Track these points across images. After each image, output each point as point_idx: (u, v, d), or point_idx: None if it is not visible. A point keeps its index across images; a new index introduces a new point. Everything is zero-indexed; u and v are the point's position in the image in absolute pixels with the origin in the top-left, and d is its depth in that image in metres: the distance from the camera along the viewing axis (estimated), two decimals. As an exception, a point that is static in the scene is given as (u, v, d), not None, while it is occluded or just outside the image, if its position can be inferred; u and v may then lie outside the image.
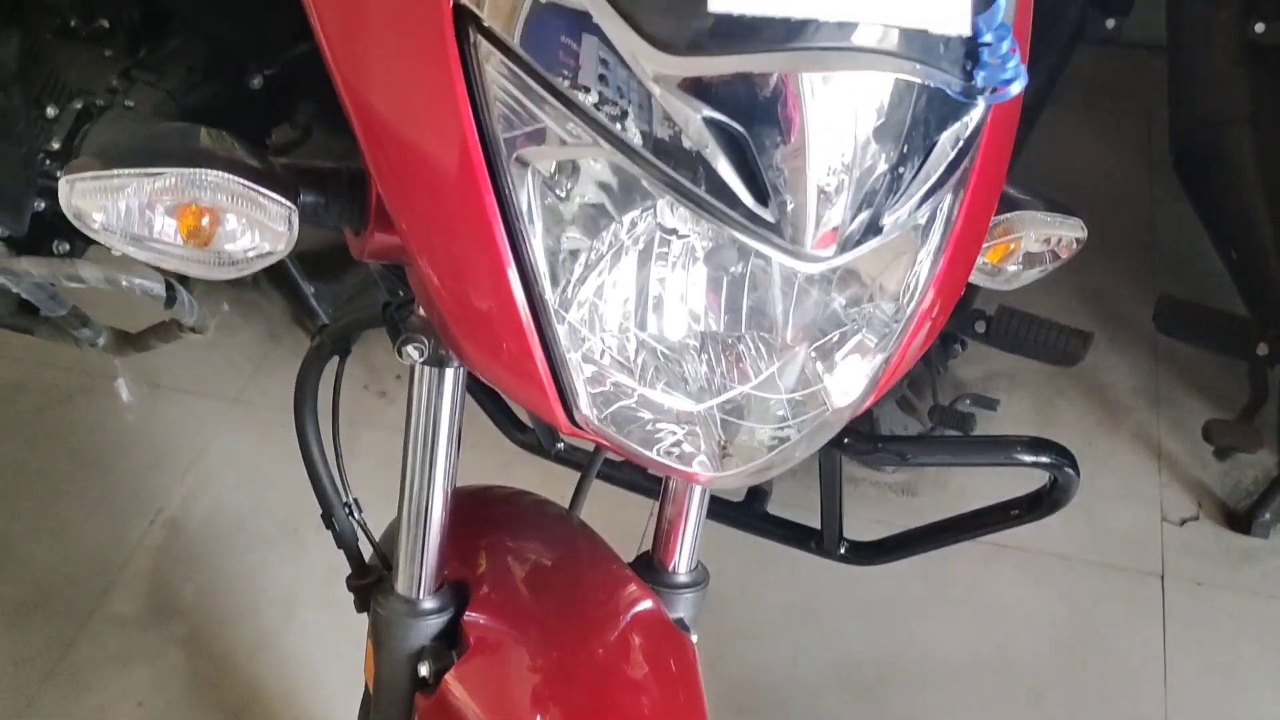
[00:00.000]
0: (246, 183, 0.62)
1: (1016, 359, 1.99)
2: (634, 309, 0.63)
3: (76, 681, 1.65)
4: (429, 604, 0.87)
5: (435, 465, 0.84)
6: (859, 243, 0.60)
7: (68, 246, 1.59)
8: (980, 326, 1.56)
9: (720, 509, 1.33)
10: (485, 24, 0.56)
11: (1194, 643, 1.69)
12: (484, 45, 0.56)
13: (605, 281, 0.61)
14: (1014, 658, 1.68)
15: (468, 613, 0.87)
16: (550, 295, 0.60)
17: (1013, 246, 0.83)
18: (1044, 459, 1.08)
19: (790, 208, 0.57)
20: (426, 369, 0.81)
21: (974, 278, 0.84)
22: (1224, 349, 1.62)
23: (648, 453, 0.67)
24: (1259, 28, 1.67)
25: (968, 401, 1.90)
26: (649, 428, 0.66)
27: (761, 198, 0.56)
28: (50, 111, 1.51)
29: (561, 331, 0.61)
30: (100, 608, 1.73)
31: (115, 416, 2.01)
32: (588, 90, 0.55)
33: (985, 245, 0.82)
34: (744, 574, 1.77)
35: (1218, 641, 1.69)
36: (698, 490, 0.92)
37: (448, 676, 0.84)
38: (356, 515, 0.96)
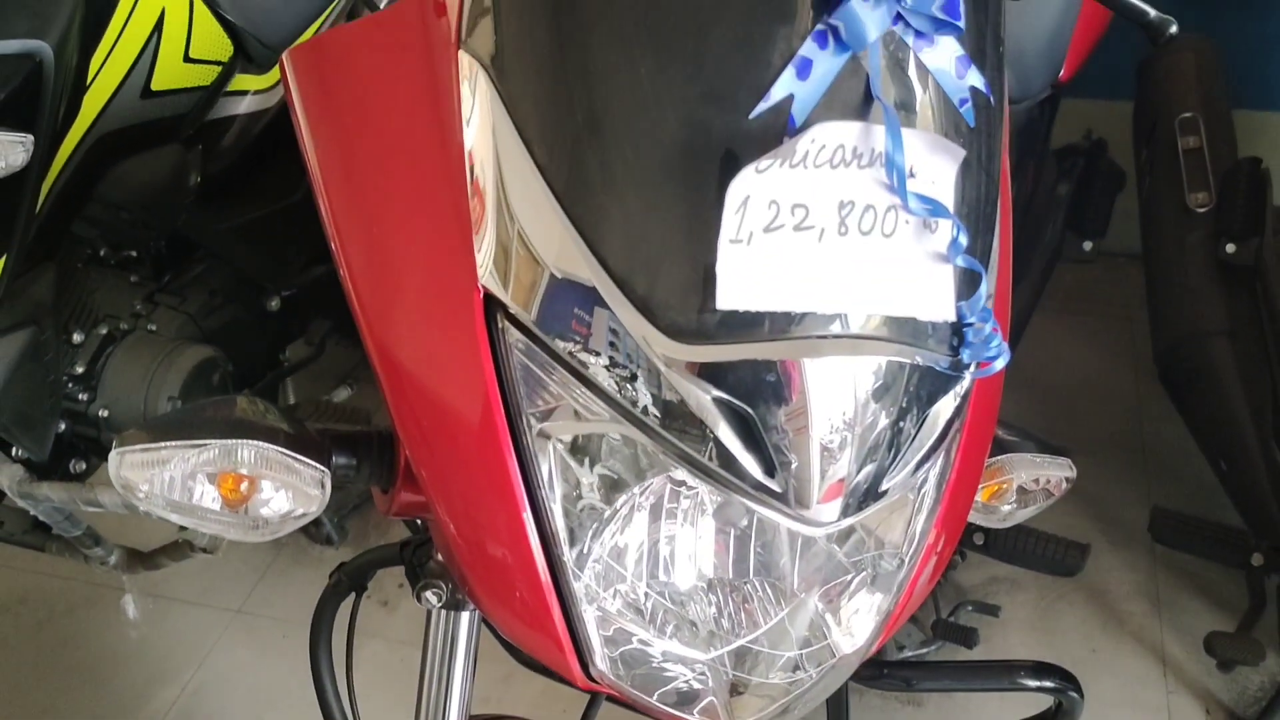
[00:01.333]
0: (283, 450, 0.67)
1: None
2: (646, 563, 0.66)
3: None
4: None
5: (449, 708, 0.85)
6: (862, 505, 0.64)
7: (84, 465, 1.63)
8: (979, 539, 1.59)
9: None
10: (512, 311, 0.61)
11: None
12: (510, 330, 0.61)
13: (620, 539, 0.65)
14: None
15: None
16: (568, 555, 0.63)
17: (1005, 486, 0.87)
18: (1048, 684, 1.09)
19: (796, 474, 0.61)
20: (443, 615, 0.83)
21: (971, 517, 0.88)
22: (1219, 559, 1.64)
23: (662, 706, 0.69)
24: (1229, 248, 1.75)
25: (969, 608, 1.90)
26: (662, 678, 0.68)
27: (769, 469, 0.60)
28: (76, 337, 1.57)
29: (578, 590, 0.64)
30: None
31: (116, 629, 2.00)
32: (604, 371, 0.60)
33: (979, 486, 0.86)
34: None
35: None
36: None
37: None
38: (367, 752, 0.97)
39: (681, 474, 0.62)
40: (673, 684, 0.69)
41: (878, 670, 1.12)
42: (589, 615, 0.65)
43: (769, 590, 0.69)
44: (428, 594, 0.79)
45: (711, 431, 0.60)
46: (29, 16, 1.27)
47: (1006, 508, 0.87)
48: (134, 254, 1.69)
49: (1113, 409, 2.45)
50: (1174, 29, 0.96)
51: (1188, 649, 1.93)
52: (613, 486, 0.63)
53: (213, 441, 0.65)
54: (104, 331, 1.61)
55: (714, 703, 0.69)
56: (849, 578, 0.70)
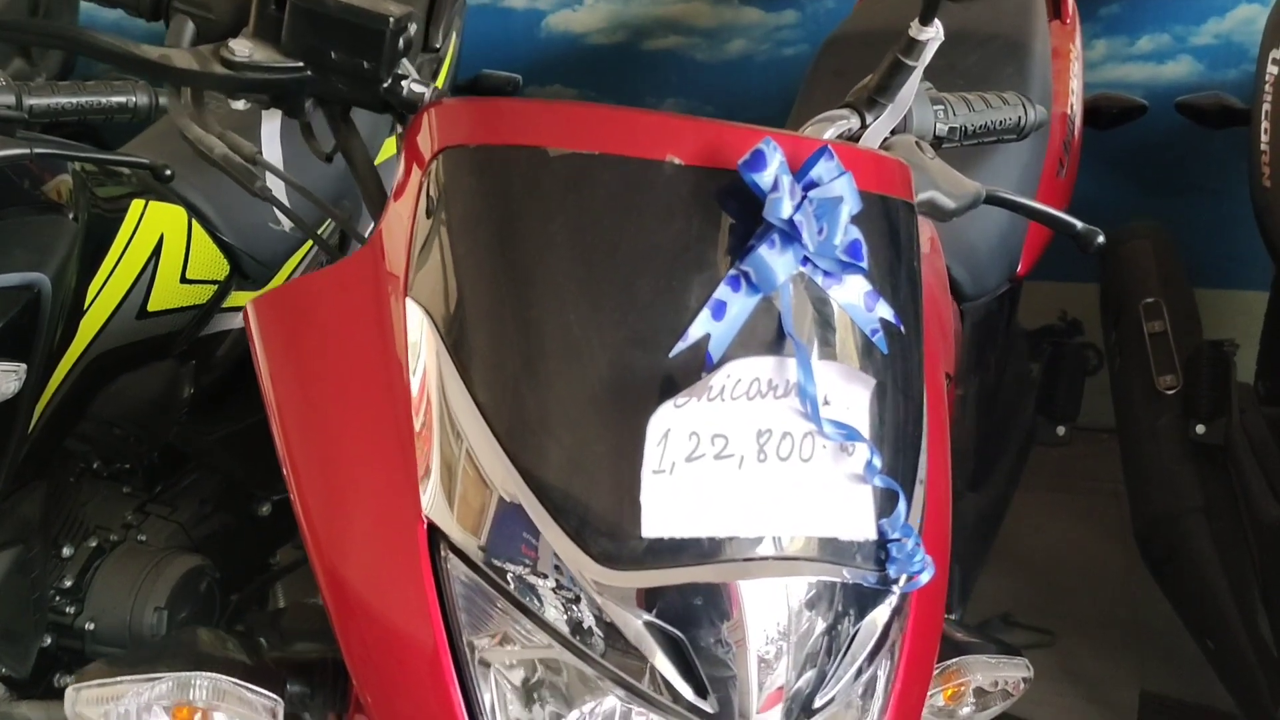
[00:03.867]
0: (237, 681, 0.69)
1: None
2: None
3: None
4: None
5: None
6: (804, 713, 0.66)
7: (70, 679, 1.62)
8: (966, 730, 1.56)
9: None
10: (454, 542, 0.64)
11: None
12: (453, 560, 0.64)
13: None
14: None
15: None
16: (518, 791, 0.64)
17: (962, 688, 0.88)
18: None
19: (735, 686, 0.63)
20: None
21: (930, 721, 0.88)
22: (1214, 748, 1.61)
23: None
24: (1199, 429, 1.79)
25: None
26: None
27: (701, 691, 0.62)
28: (66, 551, 1.59)
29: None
30: None
31: None
32: (543, 599, 0.62)
33: (936, 690, 0.87)
34: None
35: None
36: None
37: None
38: None
39: (618, 698, 0.64)
40: None
41: None
42: None
43: None
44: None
45: (647, 660, 0.62)
46: (29, 250, 1.34)
47: (965, 710, 0.88)
48: (127, 466, 1.72)
49: (1103, 587, 2.43)
50: (1100, 239, 1.02)
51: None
52: (554, 712, 0.64)
53: (166, 675, 0.67)
54: (93, 544, 1.63)
55: None
56: None
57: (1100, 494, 2.60)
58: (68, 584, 1.58)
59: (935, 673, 0.86)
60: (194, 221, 1.67)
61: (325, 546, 0.69)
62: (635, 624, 0.61)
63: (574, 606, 0.62)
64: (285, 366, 0.71)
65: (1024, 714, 1.71)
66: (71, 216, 1.46)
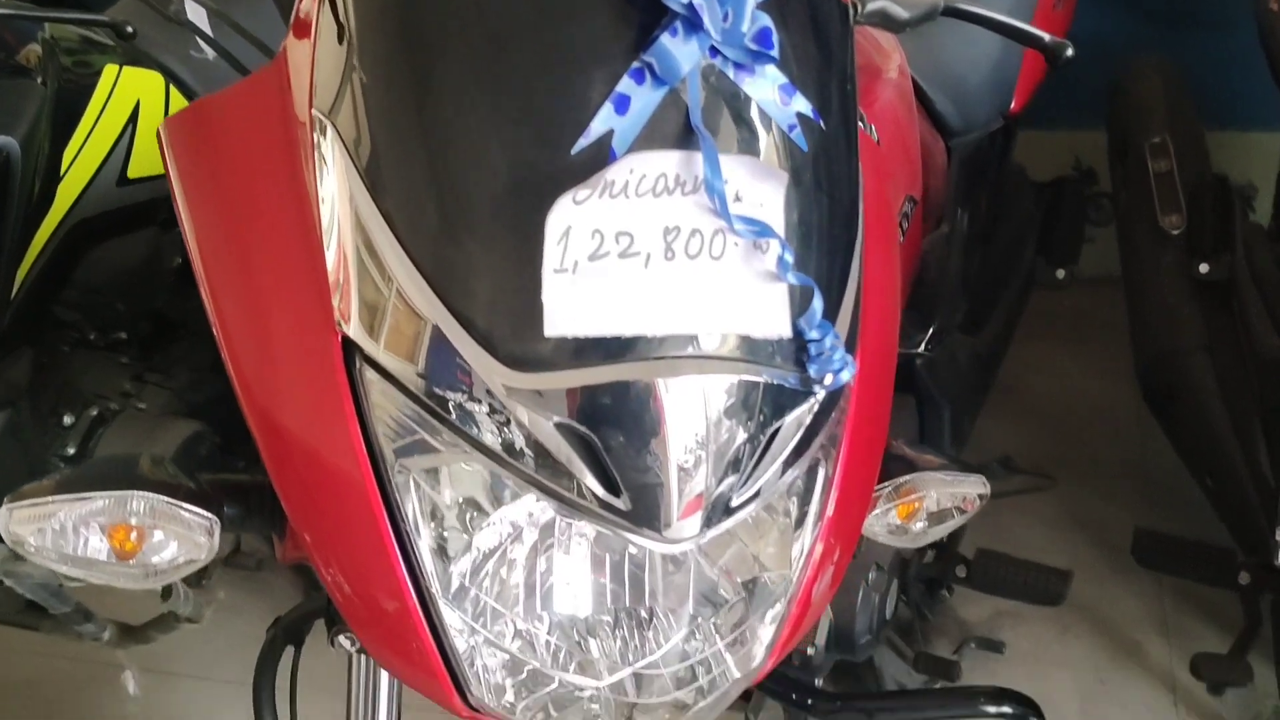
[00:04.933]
0: (170, 500, 0.69)
1: (1021, 598, 1.98)
2: (523, 595, 0.68)
3: None
4: None
5: (376, 754, 0.86)
6: (721, 520, 0.65)
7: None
8: (961, 571, 1.58)
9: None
10: (366, 349, 0.63)
11: None
12: (368, 372, 0.64)
13: (491, 571, 0.67)
14: None
15: None
16: (437, 588, 0.65)
17: (917, 505, 0.88)
18: (1006, 709, 1.08)
19: (653, 492, 0.62)
20: (363, 659, 0.85)
21: (883, 537, 0.89)
22: (1206, 579, 1.61)
23: (552, 738, 0.70)
24: (1203, 268, 1.75)
25: (973, 646, 1.88)
26: (548, 705, 0.69)
27: (614, 490, 0.62)
28: (67, 420, 1.62)
29: (450, 621, 0.66)
30: None
31: (124, 707, 2.03)
32: (457, 405, 0.62)
33: (889, 506, 0.87)
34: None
35: None
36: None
37: None
38: (314, 804, 0.98)
39: (537, 501, 0.64)
40: (560, 711, 0.70)
41: (834, 704, 1.12)
42: (460, 646, 0.66)
43: (655, 615, 0.70)
44: (341, 638, 0.81)
45: (558, 460, 0.62)
46: (-5, 114, 1.33)
47: (918, 526, 0.88)
48: (122, 336, 1.74)
49: (1114, 435, 2.42)
50: (1069, 52, 0.98)
51: (1198, 675, 1.89)
52: (473, 517, 0.64)
53: (100, 494, 0.68)
54: (94, 413, 1.66)
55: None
56: (735, 598, 0.71)
57: (1109, 343, 2.57)
58: (70, 451, 1.61)
59: (889, 490, 0.86)
60: (171, 87, 1.65)
61: (244, 366, 0.68)
62: (546, 426, 0.61)
63: (485, 412, 0.62)
64: (196, 186, 0.70)
65: (1021, 555, 1.73)
66: (40, 81, 1.45)
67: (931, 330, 1.32)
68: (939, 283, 1.37)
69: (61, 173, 1.48)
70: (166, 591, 1.39)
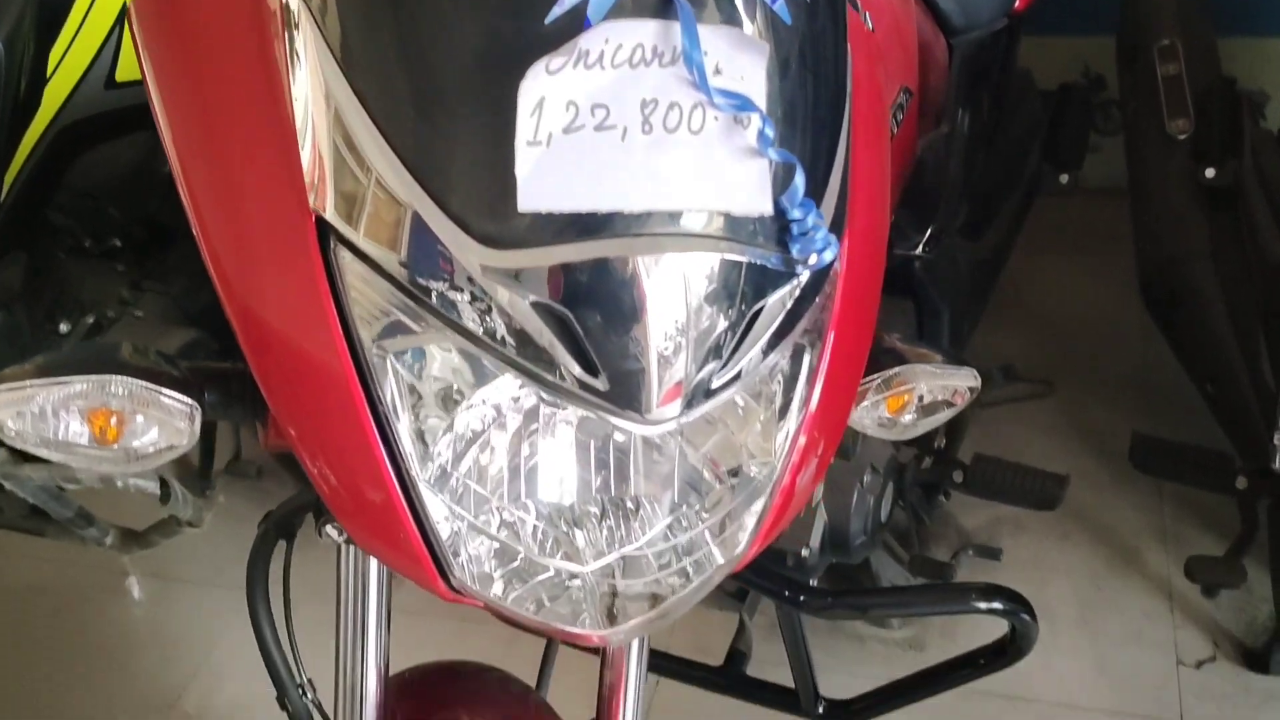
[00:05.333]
0: (150, 385, 0.69)
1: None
2: (506, 480, 0.67)
3: None
4: (369, 778, 0.89)
5: (366, 644, 0.87)
6: (702, 403, 0.65)
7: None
8: (958, 475, 1.58)
9: (698, 672, 1.35)
10: (342, 233, 0.62)
11: (1218, 791, 1.63)
12: (343, 252, 0.63)
13: (472, 454, 0.66)
14: (1031, 817, 1.63)
15: (407, 788, 0.89)
16: (417, 471, 0.65)
17: (907, 398, 0.87)
18: (997, 605, 1.09)
19: (632, 374, 0.62)
20: (352, 549, 0.85)
21: (872, 430, 0.88)
22: (1203, 484, 1.61)
23: (531, 617, 0.70)
24: (1209, 173, 1.73)
25: (970, 553, 1.89)
26: (530, 590, 0.70)
27: (592, 370, 0.61)
28: (63, 327, 1.62)
29: (431, 505, 0.65)
30: (112, 806, 1.74)
31: (130, 613, 2.06)
32: (430, 286, 0.61)
33: (878, 398, 0.86)
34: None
35: (1243, 789, 1.63)
36: (635, 652, 0.94)
37: None
38: (310, 695, 0.99)
39: (516, 383, 0.64)
40: (542, 596, 0.70)
41: (826, 600, 1.13)
42: (443, 531, 0.66)
43: (640, 505, 0.70)
44: (329, 528, 0.81)
45: (535, 340, 0.61)
46: (-24, 15, 1.31)
47: (908, 418, 0.87)
48: (118, 243, 1.73)
49: (1116, 345, 2.42)
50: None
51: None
52: (451, 398, 0.64)
53: (79, 378, 0.68)
54: (90, 320, 1.66)
55: (585, 612, 0.70)
56: (719, 486, 0.71)
57: (1113, 255, 2.55)
58: (67, 358, 1.61)
59: (878, 382, 0.85)
60: (159, -12, 1.62)
61: (219, 252, 0.68)
62: (523, 306, 0.60)
63: (462, 291, 0.61)
64: (164, 64, 0.69)
65: (1019, 458, 1.73)
66: (23, -20, 1.42)
67: (930, 232, 1.30)
68: (937, 183, 1.35)
69: (48, 75, 1.46)
70: (165, 496, 1.40)
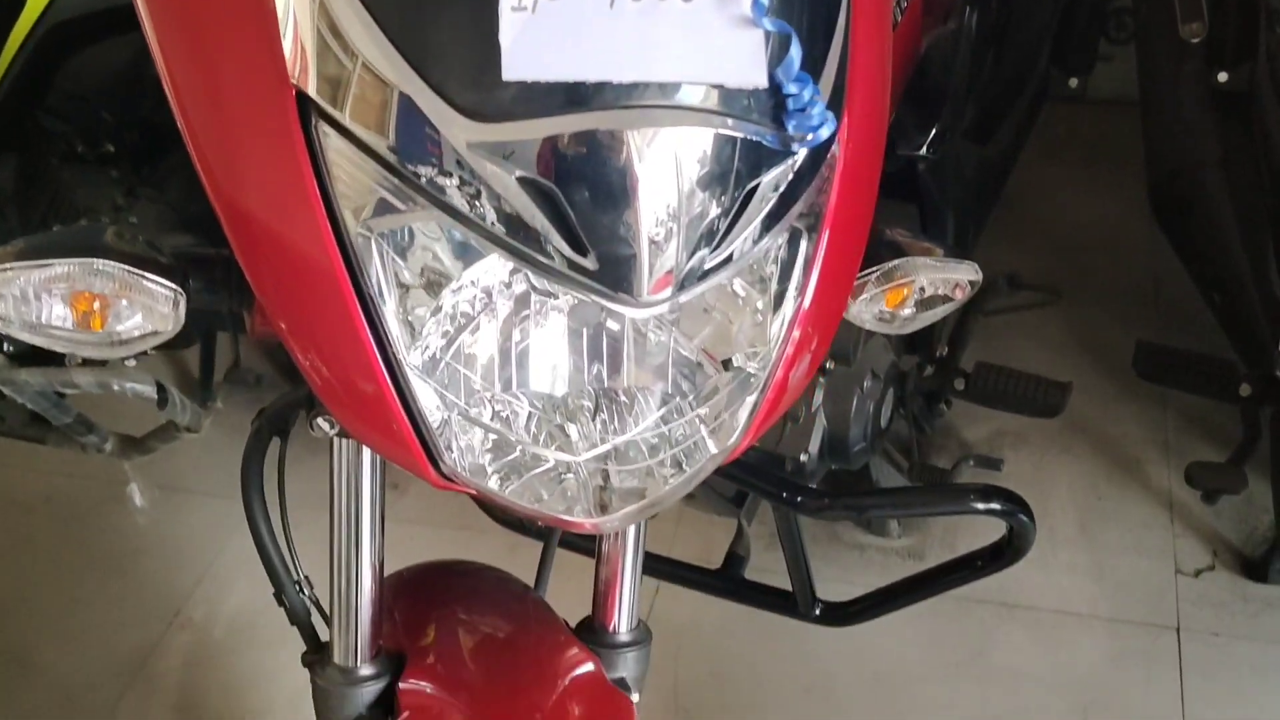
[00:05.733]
0: (133, 270, 0.68)
1: (1024, 418, 1.99)
2: (496, 366, 0.66)
3: (96, 783, 1.68)
4: (365, 671, 0.90)
5: (361, 538, 0.87)
6: (695, 285, 0.64)
7: (79, 360, 1.67)
8: (960, 383, 1.57)
9: (696, 575, 1.35)
10: (323, 108, 0.60)
11: (1213, 695, 1.64)
12: (324, 127, 0.61)
13: (461, 338, 0.65)
14: (1026, 720, 1.65)
15: (403, 680, 0.89)
16: (404, 355, 0.64)
17: (906, 292, 0.86)
18: (995, 506, 1.08)
19: (613, 256, 0.60)
20: (344, 442, 0.85)
21: (870, 324, 0.87)
22: (1207, 392, 1.60)
23: (521, 504, 0.69)
24: (1222, 77, 1.69)
25: (971, 463, 1.89)
26: (521, 481, 0.69)
27: (581, 249, 0.60)
28: (56, 230, 1.60)
29: (419, 390, 0.64)
30: (119, 709, 1.77)
31: (136, 524, 2.07)
32: (414, 162, 0.59)
33: (877, 291, 0.85)
34: (749, 648, 1.76)
35: (1238, 693, 1.64)
36: (630, 549, 0.94)
37: (380, 742, 0.86)
38: (307, 592, 1.00)
39: (504, 264, 0.62)
40: (535, 485, 0.69)
41: (823, 501, 1.12)
42: (432, 415, 0.65)
43: (635, 399, 0.69)
44: (319, 421, 0.80)
45: (523, 218, 0.59)
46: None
47: (906, 312, 0.86)
48: (111, 148, 1.71)
49: (1124, 259, 2.39)
50: None
51: (1196, 493, 1.90)
52: (438, 280, 0.63)
53: (60, 261, 0.66)
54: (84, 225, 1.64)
55: (578, 501, 0.70)
56: (713, 376, 0.70)
57: (1123, 167, 2.52)
58: (62, 266, 1.60)
59: (877, 274, 0.84)
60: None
61: (199, 134, 0.66)
62: (509, 181, 0.58)
63: (447, 167, 0.59)
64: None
65: (1022, 368, 1.72)
66: None
67: (934, 131, 1.27)
68: (943, 82, 1.32)
69: (34, -29, 1.42)
70: (163, 400, 1.40)
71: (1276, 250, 1.59)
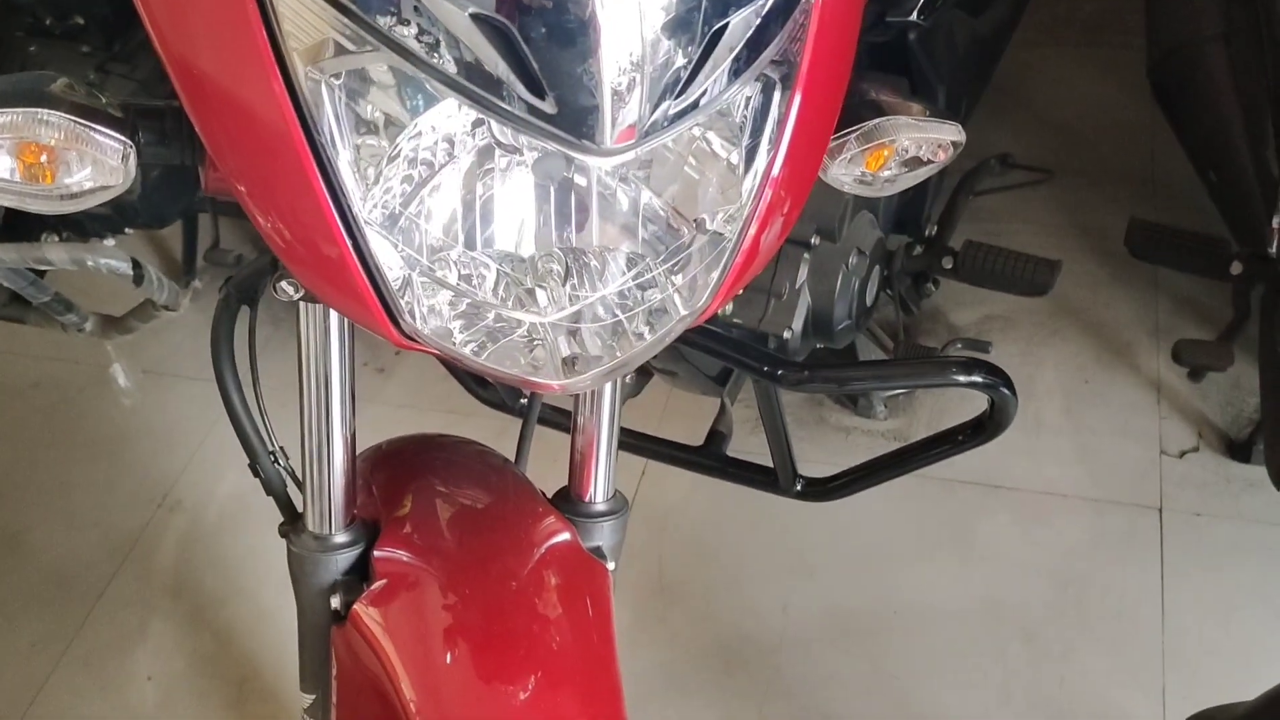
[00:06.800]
0: (82, 121, 0.65)
1: (1013, 301, 1.98)
2: (459, 222, 0.64)
3: (88, 661, 1.71)
4: (339, 539, 0.90)
5: (330, 403, 0.86)
6: (662, 131, 0.61)
7: (56, 238, 1.65)
8: (948, 262, 1.55)
9: (678, 452, 1.35)
10: (268, -58, 0.57)
11: (1192, 574, 1.66)
12: (269, -36, 0.58)
13: (421, 193, 0.63)
14: (1007, 600, 1.66)
15: (377, 547, 0.89)
16: (360, 209, 0.62)
17: (887, 153, 0.83)
18: (977, 379, 1.07)
19: (573, 98, 0.58)
20: (311, 307, 0.83)
21: (850, 186, 0.85)
22: (1198, 270, 1.58)
23: (488, 364, 0.68)
24: (1227, -53, 1.64)
25: (959, 345, 1.88)
26: (487, 341, 0.68)
27: (539, 91, 0.57)
28: (26, 108, 1.56)
29: (377, 246, 0.63)
30: (109, 590, 1.79)
31: (124, 409, 2.07)
32: (364, 3, 0.57)
33: (856, 152, 0.82)
34: (734, 528, 1.77)
35: (1217, 571, 1.66)
36: (605, 420, 0.94)
37: (355, 607, 0.87)
38: (282, 462, 0.99)
39: (463, 115, 0.60)
40: (502, 345, 0.68)
41: (802, 372, 1.11)
42: (392, 273, 0.63)
43: (602, 258, 0.67)
44: (283, 284, 0.78)
45: (478, 56, 0.57)
46: None
47: (887, 174, 0.84)
48: (80, 21, 1.66)
49: (1124, 142, 2.35)
50: None
51: (1184, 375, 1.90)
52: (391, 126, 0.60)
53: (6, 110, 0.64)
54: (55, 102, 1.60)
55: (546, 361, 0.69)
56: (683, 235, 0.68)
57: (1122, 49, 2.46)
58: (33, 144, 1.56)
59: (856, 134, 0.81)
60: None
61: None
62: (461, 20, 0.56)
63: (397, 2, 0.56)
64: None
65: (1011, 245, 1.70)
66: None
67: (924, -4, 1.23)
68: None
69: None
70: (139, 278, 1.38)
71: (1275, 127, 1.55)
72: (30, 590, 1.80)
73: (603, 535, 0.96)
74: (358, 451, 0.94)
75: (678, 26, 0.58)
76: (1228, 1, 1.67)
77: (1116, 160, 2.31)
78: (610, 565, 0.94)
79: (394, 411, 2.02)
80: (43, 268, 1.36)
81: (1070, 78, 2.51)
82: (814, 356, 1.43)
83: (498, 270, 0.66)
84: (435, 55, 0.57)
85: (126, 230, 1.73)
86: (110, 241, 1.69)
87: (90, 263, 1.33)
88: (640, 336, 0.69)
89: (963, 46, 1.47)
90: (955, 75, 1.43)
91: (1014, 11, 1.73)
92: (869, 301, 1.42)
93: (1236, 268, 1.51)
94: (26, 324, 1.64)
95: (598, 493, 0.96)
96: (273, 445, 0.99)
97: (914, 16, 1.25)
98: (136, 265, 1.38)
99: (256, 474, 0.99)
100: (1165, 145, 2.30)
